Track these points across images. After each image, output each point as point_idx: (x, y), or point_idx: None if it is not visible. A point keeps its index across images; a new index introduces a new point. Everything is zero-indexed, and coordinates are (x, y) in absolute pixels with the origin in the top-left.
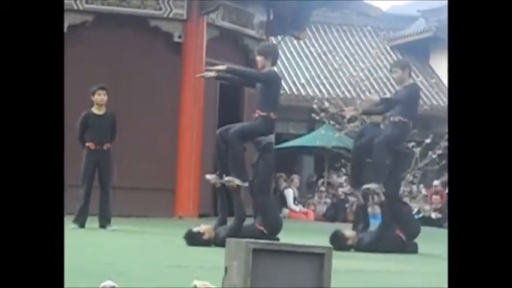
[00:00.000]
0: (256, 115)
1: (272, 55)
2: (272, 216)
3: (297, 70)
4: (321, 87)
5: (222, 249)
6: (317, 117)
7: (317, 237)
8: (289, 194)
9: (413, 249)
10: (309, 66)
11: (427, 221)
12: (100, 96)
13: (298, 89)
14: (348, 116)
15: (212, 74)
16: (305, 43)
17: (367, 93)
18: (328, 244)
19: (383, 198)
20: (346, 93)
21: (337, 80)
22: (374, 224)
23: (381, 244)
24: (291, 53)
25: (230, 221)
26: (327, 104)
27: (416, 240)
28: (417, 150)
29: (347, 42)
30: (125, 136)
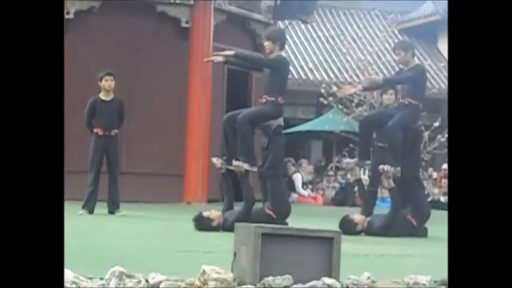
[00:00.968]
0: (264, 100)
1: (280, 40)
2: (281, 200)
3: (305, 54)
4: (329, 71)
5: (231, 234)
6: (325, 102)
7: (326, 221)
8: (298, 178)
9: (423, 234)
10: (317, 51)
11: (436, 205)
12: (107, 82)
13: (306, 74)
14: (356, 101)
15: (220, 58)
16: (313, 27)
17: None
18: (337, 229)
19: (392, 184)
20: (354, 77)
21: (345, 64)
22: (382, 208)
23: (391, 228)
24: (298, 37)
25: (238, 206)
26: (335, 88)
27: (425, 224)
28: (426, 133)
29: (355, 26)
30: (133, 122)
